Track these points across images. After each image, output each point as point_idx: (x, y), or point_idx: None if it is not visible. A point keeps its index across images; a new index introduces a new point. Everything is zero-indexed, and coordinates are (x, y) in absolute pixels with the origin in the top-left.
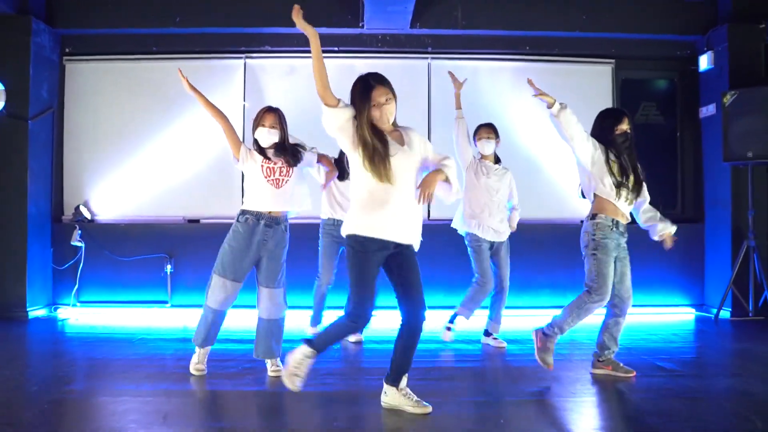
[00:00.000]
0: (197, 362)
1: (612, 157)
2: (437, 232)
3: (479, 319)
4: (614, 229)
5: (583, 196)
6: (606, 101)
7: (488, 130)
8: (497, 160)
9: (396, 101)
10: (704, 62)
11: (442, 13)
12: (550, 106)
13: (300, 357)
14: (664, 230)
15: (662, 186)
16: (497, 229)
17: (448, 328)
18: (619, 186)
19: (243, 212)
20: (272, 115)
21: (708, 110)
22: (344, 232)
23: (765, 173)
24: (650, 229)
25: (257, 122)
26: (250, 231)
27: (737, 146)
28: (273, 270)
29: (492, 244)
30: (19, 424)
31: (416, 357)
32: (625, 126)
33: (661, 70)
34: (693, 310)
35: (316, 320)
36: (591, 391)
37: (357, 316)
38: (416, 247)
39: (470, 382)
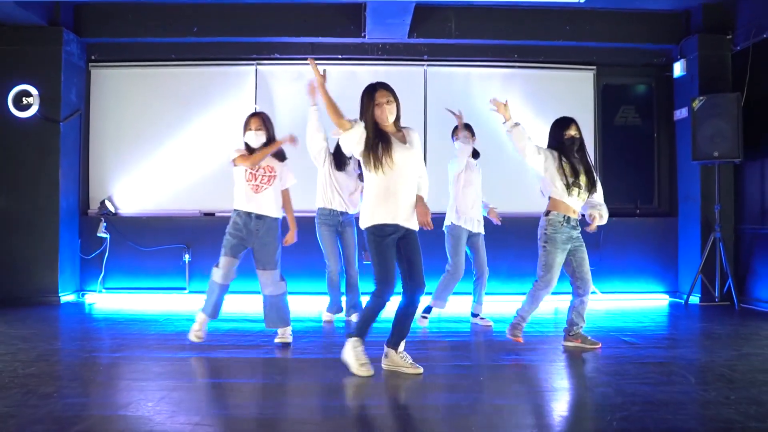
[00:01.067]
0: (198, 329)
1: (564, 160)
2: None
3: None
4: (565, 224)
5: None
6: (588, 105)
7: (463, 130)
8: (476, 155)
9: (398, 104)
10: (678, 69)
11: (437, 24)
12: (504, 122)
13: (352, 350)
14: (592, 212)
15: (640, 183)
16: (480, 220)
17: (424, 317)
18: (569, 186)
19: (235, 209)
20: (257, 118)
21: (681, 113)
22: (363, 225)
23: (730, 171)
24: (583, 208)
25: (245, 127)
26: (243, 222)
27: (705, 147)
28: (266, 254)
29: (470, 234)
30: (60, 393)
31: (413, 332)
32: (572, 131)
33: (639, 76)
34: (667, 297)
35: (334, 307)
36: (561, 358)
37: (382, 291)
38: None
39: (458, 351)
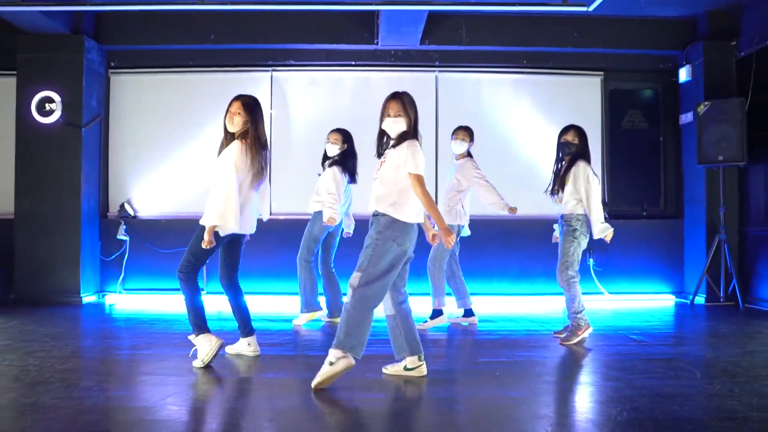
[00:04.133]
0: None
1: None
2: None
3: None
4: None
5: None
6: (596, 110)
7: (463, 132)
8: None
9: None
10: (683, 75)
11: (448, 31)
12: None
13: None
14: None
15: (646, 185)
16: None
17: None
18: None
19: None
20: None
21: (686, 118)
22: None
23: (734, 175)
24: None
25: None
26: None
27: (710, 151)
28: None
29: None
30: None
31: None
32: (568, 137)
33: (645, 82)
34: (673, 297)
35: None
36: (571, 354)
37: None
38: None
39: (473, 349)
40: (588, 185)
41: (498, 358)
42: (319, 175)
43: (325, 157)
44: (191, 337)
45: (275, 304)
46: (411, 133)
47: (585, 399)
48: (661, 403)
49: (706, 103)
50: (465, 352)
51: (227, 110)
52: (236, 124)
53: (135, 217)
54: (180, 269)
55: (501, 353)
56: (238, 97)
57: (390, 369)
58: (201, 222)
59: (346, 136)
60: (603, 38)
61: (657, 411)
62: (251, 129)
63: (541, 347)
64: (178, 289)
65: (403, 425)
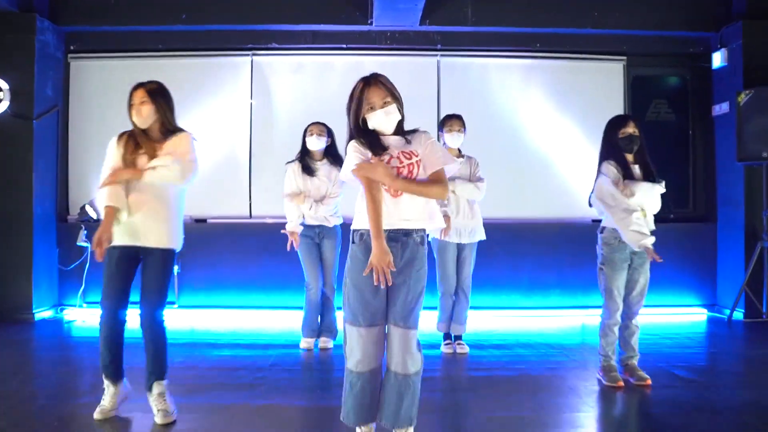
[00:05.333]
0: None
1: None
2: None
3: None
4: (621, 241)
5: (591, 205)
6: (617, 99)
7: (460, 122)
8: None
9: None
10: (717, 59)
11: (452, 9)
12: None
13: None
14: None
15: (674, 185)
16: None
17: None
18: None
19: None
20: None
21: (721, 108)
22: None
23: None
24: None
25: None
26: None
27: (752, 146)
28: None
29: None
30: None
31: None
32: (629, 129)
33: (672, 68)
34: (705, 311)
35: (311, 331)
36: (608, 400)
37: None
38: None
39: (486, 393)
40: None
41: (521, 410)
42: (311, 173)
43: (306, 152)
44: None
45: (255, 320)
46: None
47: None
48: None
49: (748, 91)
50: (474, 400)
51: (130, 103)
52: (146, 116)
53: (98, 220)
54: (160, 310)
55: (523, 402)
56: (140, 85)
57: None
58: (170, 246)
59: (329, 130)
60: (626, 18)
61: None
62: (163, 119)
63: (569, 391)
64: None
65: None
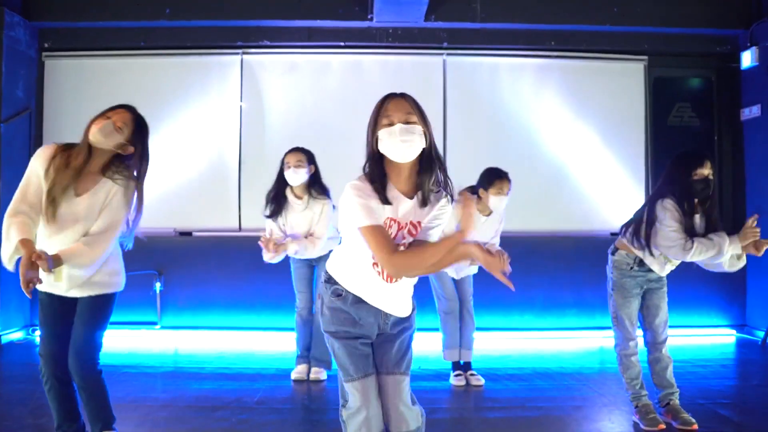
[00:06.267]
0: None
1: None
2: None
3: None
4: (635, 267)
5: (621, 235)
6: (637, 102)
7: (509, 184)
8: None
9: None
10: (747, 59)
11: (459, 5)
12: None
13: None
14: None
15: None
16: None
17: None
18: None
19: None
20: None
21: (751, 112)
22: None
23: None
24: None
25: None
26: None
27: None
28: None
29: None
30: None
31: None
32: (706, 171)
33: (697, 68)
34: (734, 332)
35: (302, 357)
36: None
37: None
38: None
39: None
40: None
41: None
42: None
43: (284, 184)
44: None
45: (244, 342)
46: (435, 154)
47: None
48: None
49: None
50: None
51: (105, 114)
52: (116, 140)
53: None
54: (94, 360)
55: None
56: (131, 108)
57: None
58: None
59: (309, 156)
60: (647, 15)
61: None
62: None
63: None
64: (127, 323)
65: None
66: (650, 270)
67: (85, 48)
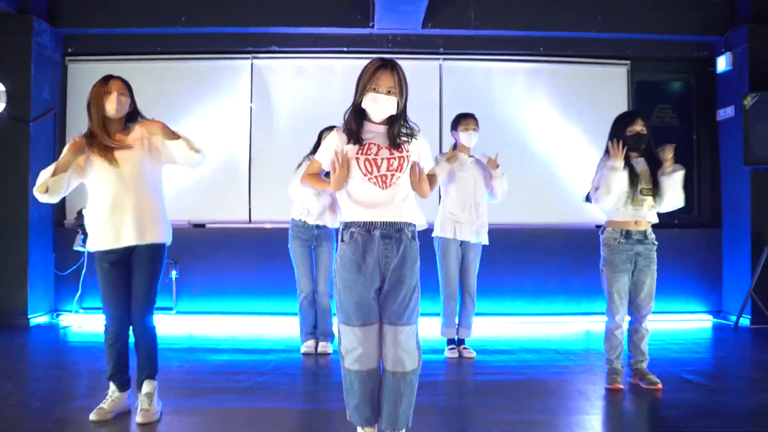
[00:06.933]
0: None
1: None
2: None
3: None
4: (622, 241)
5: (588, 200)
6: (621, 103)
7: (475, 121)
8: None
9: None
10: (722, 63)
11: (454, 13)
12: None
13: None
14: None
15: None
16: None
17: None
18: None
19: None
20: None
21: (726, 113)
22: None
23: None
24: None
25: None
26: None
27: (759, 150)
28: None
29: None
30: None
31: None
32: (637, 127)
33: (676, 72)
34: (710, 317)
35: (309, 335)
36: (618, 405)
37: None
38: None
39: (491, 399)
40: None
41: (528, 413)
42: None
43: None
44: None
45: (254, 326)
46: (402, 115)
47: None
48: None
49: (754, 94)
50: (479, 404)
51: (105, 91)
52: (123, 105)
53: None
54: (150, 311)
55: (531, 405)
56: (113, 77)
57: None
58: (161, 241)
59: None
60: (630, 22)
61: None
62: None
63: (578, 395)
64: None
65: None
66: (638, 242)
67: (106, 53)
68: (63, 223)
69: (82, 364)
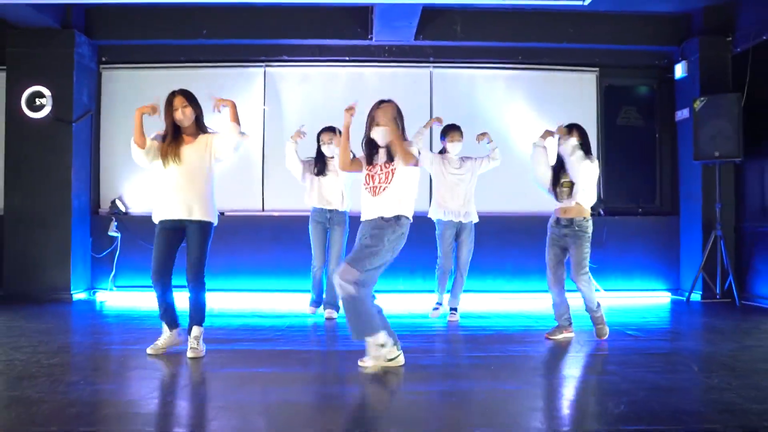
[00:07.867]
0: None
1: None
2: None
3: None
4: (552, 224)
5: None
6: (591, 106)
7: (459, 133)
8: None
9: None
10: (679, 71)
11: (443, 26)
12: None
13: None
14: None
15: (642, 182)
16: (467, 211)
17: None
18: (554, 187)
19: None
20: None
21: (682, 114)
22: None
23: (730, 171)
24: None
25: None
26: None
27: (706, 147)
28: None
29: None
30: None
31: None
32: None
33: (641, 78)
34: (669, 294)
35: (316, 302)
36: (566, 349)
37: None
38: None
39: (466, 344)
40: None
41: (492, 352)
42: (323, 173)
43: (321, 158)
44: (200, 330)
45: (268, 301)
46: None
47: (581, 392)
48: (658, 396)
49: (703, 98)
50: (459, 346)
51: (172, 107)
52: (189, 116)
53: (126, 213)
54: (201, 272)
55: (495, 348)
56: (178, 92)
57: (367, 361)
58: (210, 219)
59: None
60: (599, 34)
61: (654, 404)
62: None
63: (536, 342)
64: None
65: (401, 419)
66: (564, 226)
67: (136, 61)
68: (98, 212)
69: (130, 325)
